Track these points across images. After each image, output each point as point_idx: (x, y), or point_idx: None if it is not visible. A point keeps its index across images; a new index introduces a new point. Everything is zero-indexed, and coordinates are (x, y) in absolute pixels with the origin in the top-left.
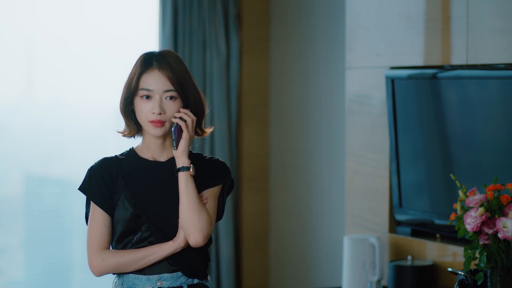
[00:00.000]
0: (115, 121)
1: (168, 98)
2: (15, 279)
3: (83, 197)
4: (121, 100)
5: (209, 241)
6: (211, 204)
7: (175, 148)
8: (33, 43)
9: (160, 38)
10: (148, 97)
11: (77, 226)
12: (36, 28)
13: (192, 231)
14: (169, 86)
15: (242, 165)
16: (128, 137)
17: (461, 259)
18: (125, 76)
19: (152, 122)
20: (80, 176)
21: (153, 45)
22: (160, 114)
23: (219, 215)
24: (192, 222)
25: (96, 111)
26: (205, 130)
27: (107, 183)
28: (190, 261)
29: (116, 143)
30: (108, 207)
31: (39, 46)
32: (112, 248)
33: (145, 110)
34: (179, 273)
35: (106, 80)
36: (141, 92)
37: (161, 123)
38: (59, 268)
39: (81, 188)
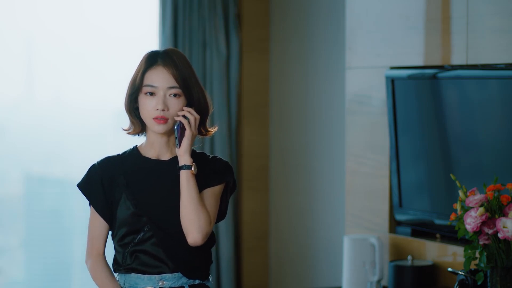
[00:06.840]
0: (115, 121)
1: (172, 95)
2: (15, 279)
3: (83, 197)
4: (125, 97)
5: (212, 242)
6: (212, 204)
7: (178, 146)
8: (33, 43)
9: (160, 38)
10: (152, 94)
11: (77, 226)
12: (36, 28)
13: (191, 230)
14: (173, 83)
15: (242, 165)
16: (132, 134)
17: (461, 259)
18: (125, 76)
19: (155, 118)
20: (80, 176)
21: (153, 45)
22: (163, 110)
23: (222, 214)
24: (191, 221)
25: (96, 111)
26: (209, 130)
27: (106, 187)
28: (190, 262)
29: (116, 143)
30: (104, 211)
31: (39, 46)
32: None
33: (149, 107)
34: (180, 273)
35: (106, 80)
36: (145, 89)
37: (165, 119)
38: (59, 268)
39: (80, 186)
